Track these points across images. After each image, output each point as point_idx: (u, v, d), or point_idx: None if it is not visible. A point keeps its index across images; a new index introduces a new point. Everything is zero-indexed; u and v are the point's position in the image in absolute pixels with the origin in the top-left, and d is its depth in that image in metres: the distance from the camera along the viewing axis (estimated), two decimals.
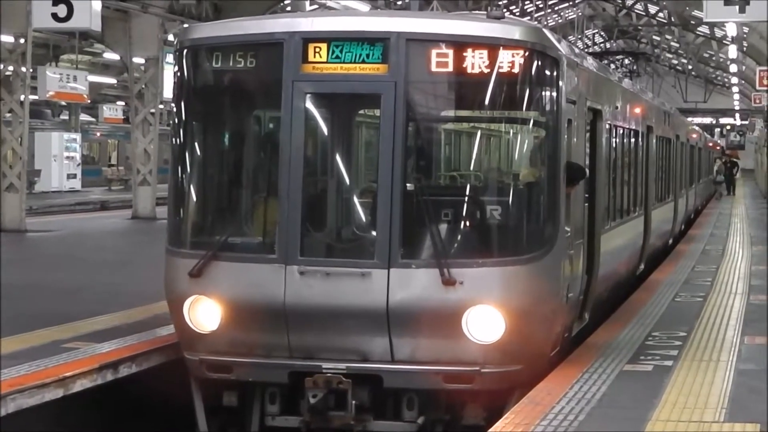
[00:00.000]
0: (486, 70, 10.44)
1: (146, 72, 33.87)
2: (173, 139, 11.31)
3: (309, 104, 10.62)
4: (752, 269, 20.91)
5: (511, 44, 10.49)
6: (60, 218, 35.01)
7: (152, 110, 34.02)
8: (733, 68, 67.48)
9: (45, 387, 10.60)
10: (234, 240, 10.85)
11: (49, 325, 13.53)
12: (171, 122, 11.67)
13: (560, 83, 10.79)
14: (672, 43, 77.63)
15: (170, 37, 34.91)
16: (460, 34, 10.57)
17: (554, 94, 10.76)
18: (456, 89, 10.89)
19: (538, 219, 10.84)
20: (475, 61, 10.44)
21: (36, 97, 44.47)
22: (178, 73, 11.22)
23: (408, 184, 10.52)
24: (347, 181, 10.97)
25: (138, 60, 34.14)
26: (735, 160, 64.79)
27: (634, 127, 17.54)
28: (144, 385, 11.90)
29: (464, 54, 10.44)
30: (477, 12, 17.39)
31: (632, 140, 17.54)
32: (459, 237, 10.73)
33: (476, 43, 10.48)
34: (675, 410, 9.47)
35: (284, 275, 10.43)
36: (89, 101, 55.46)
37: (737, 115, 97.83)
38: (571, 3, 63.58)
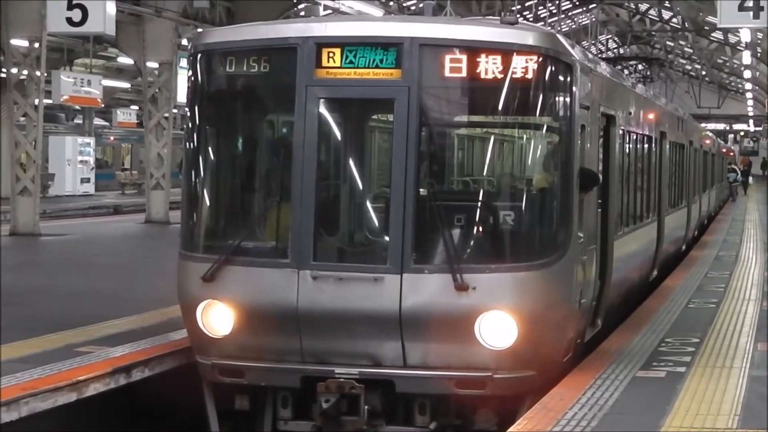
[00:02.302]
0: (499, 76, 10.45)
1: (160, 76, 33.92)
2: (187, 144, 11.33)
3: (322, 109, 10.63)
4: (766, 275, 20.85)
5: (524, 50, 10.49)
6: (73, 222, 35.09)
7: (166, 114, 34.07)
8: (747, 74, 67.37)
9: (58, 390, 10.62)
10: (247, 244, 10.87)
11: (63, 328, 13.55)
12: (184, 126, 11.68)
13: (574, 89, 10.78)
14: (686, 49, 77.55)
15: (184, 42, 34.97)
16: (473, 40, 10.57)
17: (568, 99, 10.75)
18: (469, 94, 10.88)
19: (551, 225, 10.83)
20: (489, 66, 10.44)
21: (50, 101, 44.54)
22: (192, 78, 11.24)
23: (421, 189, 10.52)
24: (360, 186, 10.97)
25: (152, 64, 34.20)
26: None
27: (647, 133, 17.52)
28: (157, 389, 11.92)
29: (478, 59, 10.45)
30: (490, 17, 17.38)
31: (645, 146, 17.52)
32: (472, 242, 10.72)
33: (490, 48, 10.47)
34: (687, 417, 9.45)
35: (297, 280, 10.44)
36: (103, 105, 55.56)
37: (751, 121, 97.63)
38: (584, 9, 63.52)
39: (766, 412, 9.61)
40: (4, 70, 28.03)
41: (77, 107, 57.55)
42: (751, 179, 69.77)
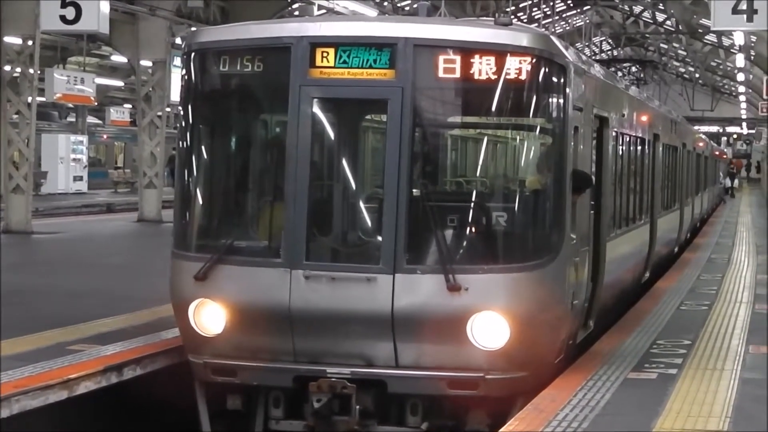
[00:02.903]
0: (493, 77, 10.45)
1: (153, 75, 33.93)
2: (180, 143, 11.32)
3: (316, 109, 10.63)
4: (758, 278, 20.88)
5: (518, 51, 10.50)
6: (66, 220, 35.05)
7: (159, 113, 34.06)
8: (741, 77, 67.50)
9: (49, 389, 10.62)
10: (240, 244, 10.87)
11: (54, 327, 13.53)
12: (178, 125, 11.68)
13: (567, 90, 10.79)
14: (679, 51, 77.65)
15: (178, 41, 34.97)
16: (467, 41, 10.57)
17: (561, 101, 10.76)
18: (463, 95, 10.89)
19: (543, 226, 10.84)
20: (483, 67, 10.45)
21: (43, 99, 44.51)
22: (186, 77, 11.23)
23: (414, 190, 10.53)
24: (353, 186, 10.97)
25: (145, 63, 34.20)
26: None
27: (640, 135, 17.54)
28: (148, 388, 11.91)
29: (472, 60, 10.45)
30: (485, 18, 17.40)
31: (639, 148, 17.54)
32: (464, 243, 10.73)
33: (484, 49, 10.48)
34: (679, 419, 9.46)
35: (289, 279, 10.44)
36: (96, 104, 55.52)
37: (744, 124, 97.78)
38: (578, 10, 63.57)
39: (763, 415, 9.62)
40: None
41: (70, 105, 57.52)
42: (736, 182, 69.79)
